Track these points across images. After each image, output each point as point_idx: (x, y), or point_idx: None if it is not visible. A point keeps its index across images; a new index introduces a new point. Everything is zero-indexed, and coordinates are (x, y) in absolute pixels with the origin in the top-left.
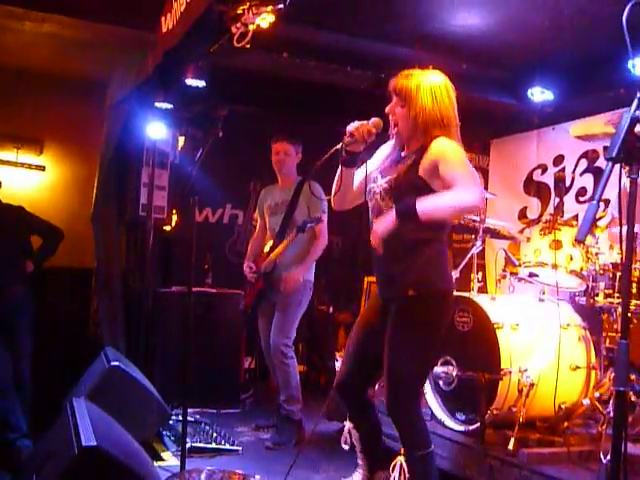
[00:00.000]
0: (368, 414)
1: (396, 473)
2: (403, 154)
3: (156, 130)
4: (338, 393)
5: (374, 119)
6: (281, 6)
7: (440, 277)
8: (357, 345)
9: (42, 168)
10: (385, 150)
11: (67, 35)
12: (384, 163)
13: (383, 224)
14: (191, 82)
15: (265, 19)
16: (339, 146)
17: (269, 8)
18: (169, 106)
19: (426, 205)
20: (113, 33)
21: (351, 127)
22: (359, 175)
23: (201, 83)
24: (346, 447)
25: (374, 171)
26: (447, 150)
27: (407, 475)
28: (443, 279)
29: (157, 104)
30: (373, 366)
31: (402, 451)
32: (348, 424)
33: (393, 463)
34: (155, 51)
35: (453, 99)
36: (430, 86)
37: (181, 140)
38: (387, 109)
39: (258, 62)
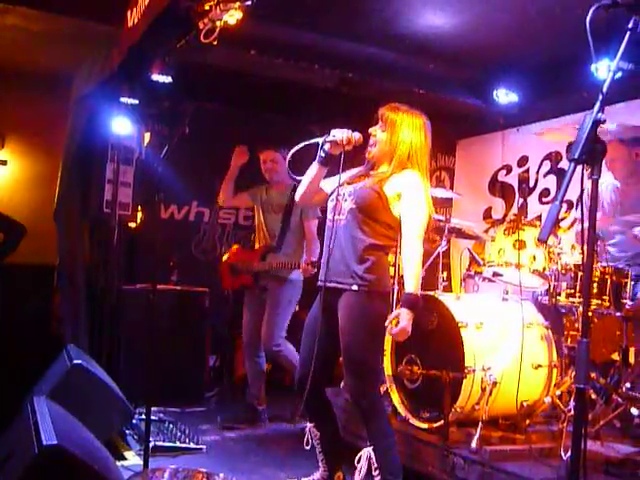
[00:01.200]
0: (327, 413)
1: (363, 463)
2: (372, 172)
3: (121, 126)
4: (298, 392)
5: (358, 133)
6: (249, 3)
7: (380, 277)
8: (308, 348)
9: (4, 162)
10: (354, 170)
11: (30, 28)
12: (353, 176)
13: (407, 325)
14: (157, 78)
15: (233, 16)
16: (320, 140)
17: (237, 5)
18: (135, 102)
19: (413, 284)
20: (78, 26)
21: (336, 131)
22: (329, 183)
23: (167, 79)
24: (307, 447)
25: (344, 182)
26: (414, 187)
27: (375, 466)
28: (383, 279)
29: (122, 99)
30: (326, 365)
31: (368, 442)
32: (309, 424)
33: (359, 455)
34: (120, 46)
35: (429, 141)
36: (412, 123)
37: (147, 136)
38: (370, 129)
39: (225, 59)
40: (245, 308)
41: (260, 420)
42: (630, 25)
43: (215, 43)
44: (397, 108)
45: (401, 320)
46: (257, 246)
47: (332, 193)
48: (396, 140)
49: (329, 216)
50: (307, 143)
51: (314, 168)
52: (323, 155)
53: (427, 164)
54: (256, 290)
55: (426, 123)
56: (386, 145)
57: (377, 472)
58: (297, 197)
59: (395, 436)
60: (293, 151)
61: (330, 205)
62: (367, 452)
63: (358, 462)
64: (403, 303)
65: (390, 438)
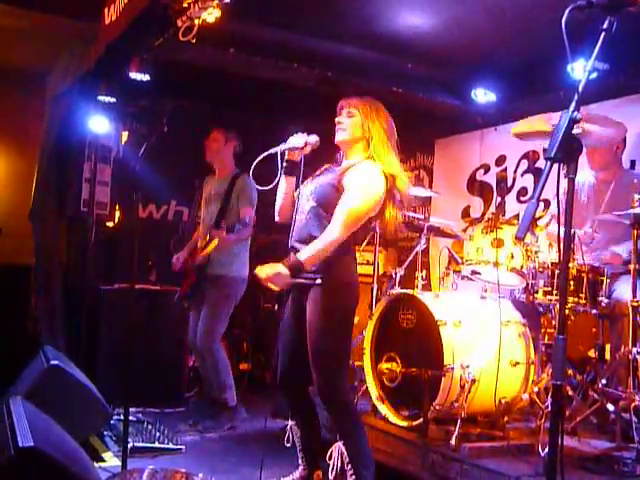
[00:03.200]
0: (309, 412)
1: (335, 458)
2: (340, 166)
3: (99, 124)
4: (280, 391)
5: (314, 135)
6: (227, 1)
7: (343, 270)
8: (282, 344)
9: None
10: (324, 167)
11: (6, 24)
12: (320, 172)
13: (273, 275)
14: (135, 76)
15: (211, 14)
16: (278, 149)
17: (215, 2)
18: (112, 100)
19: (308, 255)
20: (54, 23)
21: (292, 137)
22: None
23: (145, 77)
24: (288, 445)
25: (311, 178)
26: (360, 180)
27: (347, 460)
28: (346, 272)
29: (100, 97)
30: (299, 359)
31: (338, 437)
32: (290, 422)
33: (330, 450)
34: (97, 43)
35: (392, 125)
36: (379, 107)
37: (125, 135)
38: (336, 120)
39: (204, 57)
40: (192, 306)
41: (236, 418)
42: (605, 26)
43: (194, 41)
44: (358, 96)
45: (272, 270)
46: (198, 243)
47: (299, 194)
48: (366, 122)
49: (294, 216)
50: (266, 154)
51: (281, 181)
52: (285, 165)
53: (391, 150)
54: (199, 287)
55: (385, 113)
56: (357, 127)
57: (349, 466)
58: (276, 216)
59: (364, 429)
60: (255, 164)
61: (296, 205)
62: (338, 447)
63: (330, 458)
64: (286, 261)
65: (360, 431)
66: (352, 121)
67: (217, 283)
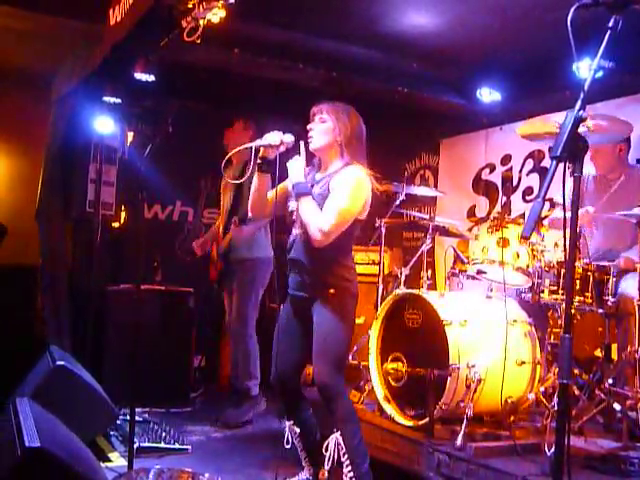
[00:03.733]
0: (303, 409)
1: (331, 450)
2: (318, 177)
3: (104, 125)
4: (277, 393)
5: (290, 134)
6: (232, 1)
7: (351, 279)
8: (281, 347)
9: None
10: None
11: (11, 26)
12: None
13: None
14: (140, 76)
15: (216, 14)
16: (253, 144)
17: (220, 3)
18: (117, 100)
19: (308, 204)
20: (59, 25)
21: (268, 134)
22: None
23: (150, 78)
24: (287, 446)
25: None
26: (348, 182)
27: (344, 451)
28: (354, 280)
29: (105, 98)
30: (298, 362)
31: (335, 428)
32: (288, 422)
33: (326, 442)
34: (103, 44)
35: (364, 129)
36: (346, 110)
37: (130, 135)
38: (308, 126)
39: (209, 58)
40: (224, 292)
41: (258, 408)
42: (610, 24)
43: (198, 42)
44: (329, 102)
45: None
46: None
47: (291, 209)
48: (339, 125)
49: (292, 230)
50: (241, 148)
51: (259, 178)
52: (260, 161)
53: (363, 153)
54: (227, 272)
55: (355, 114)
56: (329, 133)
57: (345, 457)
58: (248, 212)
59: (360, 422)
60: (227, 157)
61: (293, 219)
62: (335, 438)
63: (326, 450)
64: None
65: (356, 424)
66: (324, 127)
67: (241, 267)
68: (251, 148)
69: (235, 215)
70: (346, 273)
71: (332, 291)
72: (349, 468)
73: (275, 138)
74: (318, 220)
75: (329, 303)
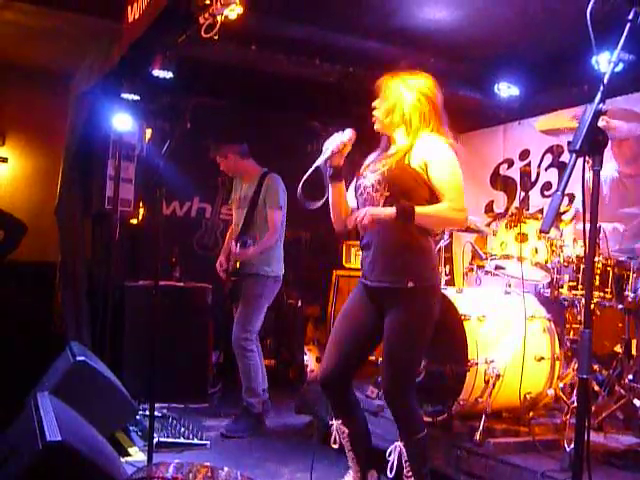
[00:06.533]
0: (355, 410)
1: (394, 457)
2: (390, 151)
3: (122, 122)
4: (324, 390)
5: (347, 130)
6: None
7: (432, 271)
8: (343, 338)
9: (4, 160)
10: (371, 157)
11: (30, 24)
12: (371, 161)
13: (379, 210)
14: (158, 73)
15: (233, 10)
16: (319, 162)
17: None
18: (136, 97)
19: (424, 212)
20: (78, 22)
21: (328, 142)
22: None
23: (168, 74)
24: (335, 446)
25: (362, 170)
26: (437, 151)
27: (406, 459)
28: (434, 273)
29: (123, 95)
30: (358, 358)
31: (399, 437)
32: (335, 422)
33: (389, 449)
34: (121, 41)
35: (439, 96)
36: (415, 83)
37: (148, 132)
38: (374, 103)
39: (226, 54)
40: (235, 305)
41: (261, 426)
42: (630, 16)
43: (216, 38)
44: (395, 74)
45: (378, 210)
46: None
47: (357, 189)
48: (396, 105)
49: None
50: (311, 171)
51: (334, 189)
52: (331, 173)
53: (444, 119)
54: (237, 286)
55: (429, 79)
56: (388, 113)
57: (407, 465)
58: (335, 226)
59: (425, 430)
60: (303, 180)
61: (360, 200)
62: (397, 446)
63: (389, 455)
64: (396, 205)
65: (422, 432)
66: (386, 106)
67: (249, 281)
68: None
69: (245, 234)
70: (430, 259)
71: (411, 284)
72: (411, 478)
73: (336, 143)
74: (444, 210)
75: (408, 299)
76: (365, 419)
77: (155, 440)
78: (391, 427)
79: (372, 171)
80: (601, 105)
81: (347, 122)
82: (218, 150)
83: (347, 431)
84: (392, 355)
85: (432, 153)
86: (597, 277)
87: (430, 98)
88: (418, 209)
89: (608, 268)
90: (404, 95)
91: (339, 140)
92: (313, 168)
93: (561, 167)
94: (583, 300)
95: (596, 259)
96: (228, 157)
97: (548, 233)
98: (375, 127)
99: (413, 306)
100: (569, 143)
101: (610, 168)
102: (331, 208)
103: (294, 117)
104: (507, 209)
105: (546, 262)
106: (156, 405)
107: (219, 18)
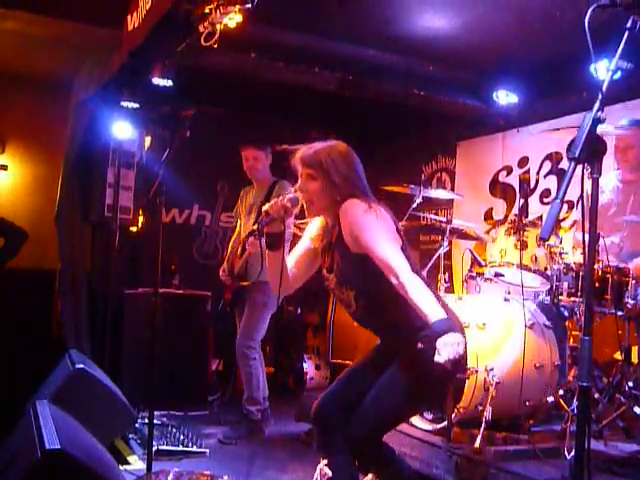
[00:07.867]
0: (340, 452)
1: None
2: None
3: (122, 129)
4: (314, 425)
5: (290, 195)
6: (249, 6)
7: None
8: (345, 388)
9: (4, 167)
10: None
11: (31, 32)
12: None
13: (456, 345)
14: (158, 81)
15: (233, 19)
16: (255, 227)
17: (237, 8)
18: (135, 105)
19: (428, 309)
20: (78, 31)
21: (266, 206)
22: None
23: (168, 83)
24: None
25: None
26: (352, 215)
27: None
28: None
29: (123, 103)
30: (352, 402)
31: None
32: (322, 461)
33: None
34: (121, 50)
35: (356, 161)
36: (336, 151)
37: (148, 140)
38: (295, 187)
39: (226, 62)
40: (236, 313)
41: (259, 433)
42: (628, 24)
43: (215, 46)
44: (310, 147)
45: (450, 342)
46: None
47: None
48: (333, 179)
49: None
50: (243, 239)
51: (271, 257)
52: (269, 239)
53: (363, 183)
54: (240, 294)
55: (343, 145)
56: (326, 191)
57: None
58: (281, 293)
59: (399, 460)
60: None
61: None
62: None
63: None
64: (434, 332)
65: (391, 466)
66: (316, 188)
67: (255, 290)
68: (255, 229)
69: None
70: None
71: (420, 345)
72: None
73: (277, 208)
74: (417, 291)
75: (416, 358)
76: (352, 466)
77: (154, 448)
78: None
79: (328, 270)
80: (600, 113)
81: (346, 129)
82: (259, 148)
83: (330, 474)
84: (375, 404)
85: (351, 222)
86: (596, 284)
87: (351, 160)
88: (432, 318)
89: (607, 275)
90: (336, 165)
91: (281, 205)
92: (246, 236)
93: (560, 174)
94: (583, 307)
95: (595, 266)
96: (259, 158)
97: (548, 240)
98: (307, 216)
99: (420, 365)
100: (568, 150)
101: (612, 177)
102: (268, 276)
103: (293, 125)
104: (506, 216)
105: (545, 269)
106: (155, 413)
107: (218, 27)
